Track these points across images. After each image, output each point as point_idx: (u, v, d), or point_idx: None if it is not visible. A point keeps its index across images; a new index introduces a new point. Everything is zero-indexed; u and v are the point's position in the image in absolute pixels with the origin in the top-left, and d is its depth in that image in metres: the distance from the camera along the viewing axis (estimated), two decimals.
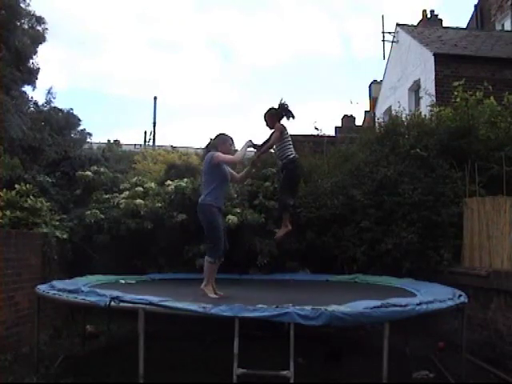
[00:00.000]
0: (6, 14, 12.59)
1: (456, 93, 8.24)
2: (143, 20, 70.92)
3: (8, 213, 6.27)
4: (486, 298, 5.55)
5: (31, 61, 14.51)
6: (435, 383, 4.75)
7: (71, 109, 16.46)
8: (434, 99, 9.90)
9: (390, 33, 14.98)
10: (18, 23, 13.77)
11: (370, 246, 6.85)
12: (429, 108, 9.02)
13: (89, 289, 4.62)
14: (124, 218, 7.36)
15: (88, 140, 17.85)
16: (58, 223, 7.00)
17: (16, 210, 6.41)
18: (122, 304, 4.06)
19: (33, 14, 14.51)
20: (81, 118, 16.89)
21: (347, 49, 73.25)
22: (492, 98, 8.28)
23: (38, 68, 14.76)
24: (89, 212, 7.47)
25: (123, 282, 5.94)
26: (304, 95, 63.48)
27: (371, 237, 6.87)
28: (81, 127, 17.19)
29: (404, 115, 8.69)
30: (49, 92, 16.25)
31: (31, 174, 8.59)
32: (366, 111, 18.93)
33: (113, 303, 4.02)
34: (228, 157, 5.00)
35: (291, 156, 5.33)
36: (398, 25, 14.82)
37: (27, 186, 6.91)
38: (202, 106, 63.38)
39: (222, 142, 5.08)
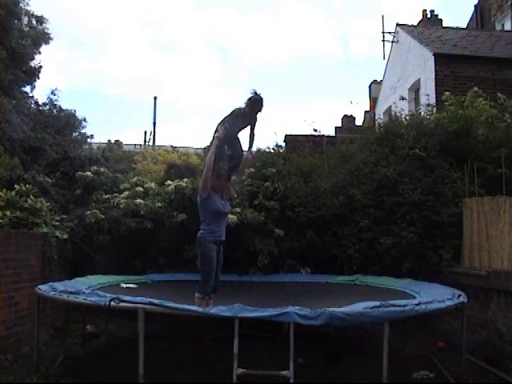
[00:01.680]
0: (4, 14, 12.55)
1: (447, 102, 8.29)
2: (143, 20, 70.95)
3: (8, 213, 6.27)
4: (485, 298, 5.55)
5: (32, 61, 14.50)
6: (435, 383, 4.75)
7: (74, 110, 16.51)
8: (434, 100, 9.89)
9: (390, 33, 14.96)
10: (17, 23, 13.75)
11: (370, 246, 6.86)
12: (427, 109, 9.02)
13: (89, 290, 4.62)
14: (124, 217, 7.36)
15: (88, 141, 17.87)
16: (58, 223, 7.00)
17: (16, 210, 6.41)
18: (121, 304, 4.06)
19: (32, 14, 14.49)
20: (85, 120, 16.98)
21: (347, 49, 73.28)
22: (487, 98, 8.29)
23: (40, 68, 14.76)
24: (89, 212, 7.46)
25: (124, 285, 5.93)
26: (304, 95, 63.54)
27: (371, 236, 6.88)
28: (84, 129, 17.24)
29: (404, 115, 8.69)
30: (52, 92, 16.30)
31: (31, 174, 8.60)
32: (365, 111, 18.90)
33: (113, 303, 4.02)
34: (202, 179, 4.79)
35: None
36: (397, 25, 14.80)
37: (27, 186, 6.91)
38: (202, 105, 63.46)
39: (216, 177, 4.86)
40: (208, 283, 4.63)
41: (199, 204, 4.93)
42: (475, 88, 8.54)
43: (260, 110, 4.97)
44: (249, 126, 5.12)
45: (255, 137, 5.21)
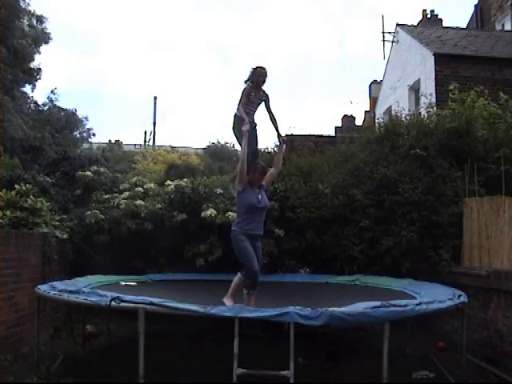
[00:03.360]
0: (5, 13, 12.54)
1: (452, 95, 8.24)
2: (143, 20, 70.92)
3: (8, 213, 6.27)
4: (485, 298, 5.55)
5: (32, 61, 14.49)
6: (435, 383, 4.75)
7: (75, 109, 16.49)
8: (434, 99, 9.89)
9: (390, 33, 14.96)
10: (18, 22, 13.75)
11: (370, 246, 6.85)
12: (427, 109, 9.01)
13: (89, 290, 4.62)
14: (124, 218, 7.36)
15: (89, 140, 17.86)
16: (58, 223, 6.99)
17: (16, 210, 6.41)
18: (122, 304, 4.06)
19: (33, 13, 14.48)
20: (87, 118, 16.95)
21: (347, 49, 73.26)
22: (489, 98, 8.27)
23: (40, 68, 14.76)
24: (89, 212, 7.47)
25: (124, 283, 5.93)
26: (304, 95, 63.54)
27: (371, 236, 6.87)
28: (86, 127, 17.21)
29: (404, 115, 8.69)
30: (52, 92, 16.29)
31: (31, 173, 8.59)
32: (366, 111, 18.92)
33: (113, 303, 4.02)
34: (239, 174, 4.76)
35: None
36: (398, 25, 14.80)
37: (27, 186, 6.90)
38: (202, 105, 63.44)
39: (252, 171, 4.84)
40: (251, 270, 4.54)
41: (235, 198, 4.91)
42: (480, 86, 8.49)
43: (264, 82, 5.09)
44: (264, 107, 5.16)
45: (276, 117, 5.24)
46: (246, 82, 5.08)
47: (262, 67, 5.09)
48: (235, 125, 5.06)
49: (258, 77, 5.04)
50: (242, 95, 5.04)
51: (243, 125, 4.82)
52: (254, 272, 4.57)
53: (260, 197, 4.81)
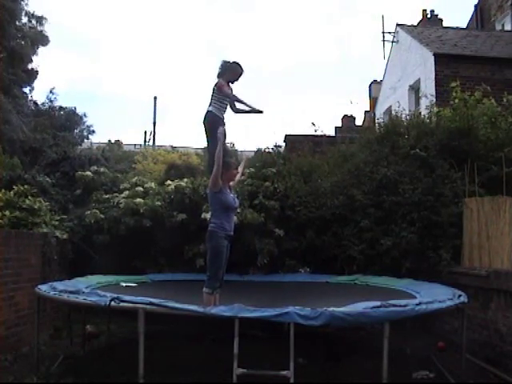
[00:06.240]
0: (4, 15, 12.57)
1: (454, 93, 8.22)
2: (143, 20, 70.95)
3: (7, 213, 6.27)
4: (485, 298, 5.55)
5: (30, 62, 14.52)
6: (435, 383, 4.75)
7: (74, 107, 16.54)
8: (434, 99, 9.88)
9: (390, 33, 14.97)
10: (17, 23, 13.77)
11: (370, 246, 6.85)
12: (430, 108, 9.00)
13: (89, 290, 4.62)
14: (124, 216, 7.36)
15: (89, 139, 17.90)
16: (57, 223, 7.00)
17: (15, 210, 6.41)
18: (122, 304, 4.06)
19: (32, 14, 14.49)
20: (86, 115, 16.99)
21: (347, 49, 73.27)
22: (492, 98, 8.26)
23: (37, 71, 14.80)
24: (89, 212, 7.46)
25: (124, 284, 5.93)
26: (304, 96, 63.55)
27: (371, 236, 6.87)
28: (85, 124, 17.24)
29: (404, 115, 8.68)
30: (51, 91, 16.33)
31: (31, 173, 8.59)
32: (366, 111, 18.92)
33: (113, 303, 4.02)
34: (212, 176, 4.65)
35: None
36: (398, 25, 14.81)
37: (25, 186, 6.90)
38: (203, 106, 63.33)
39: (226, 168, 4.75)
40: (217, 278, 4.66)
41: (210, 197, 4.87)
42: (484, 85, 8.45)
43: (237, 80, 5.05)
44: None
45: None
46: (218, 76, 4.96)
47: (238, 64, 5.00)
48: (208, 121, 5.01)
49: (233, 74, 4.98)
50: (219, 91, 4.92)
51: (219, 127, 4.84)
52: (218, 282, 4.69)
53: (234, 197, 4.90)
